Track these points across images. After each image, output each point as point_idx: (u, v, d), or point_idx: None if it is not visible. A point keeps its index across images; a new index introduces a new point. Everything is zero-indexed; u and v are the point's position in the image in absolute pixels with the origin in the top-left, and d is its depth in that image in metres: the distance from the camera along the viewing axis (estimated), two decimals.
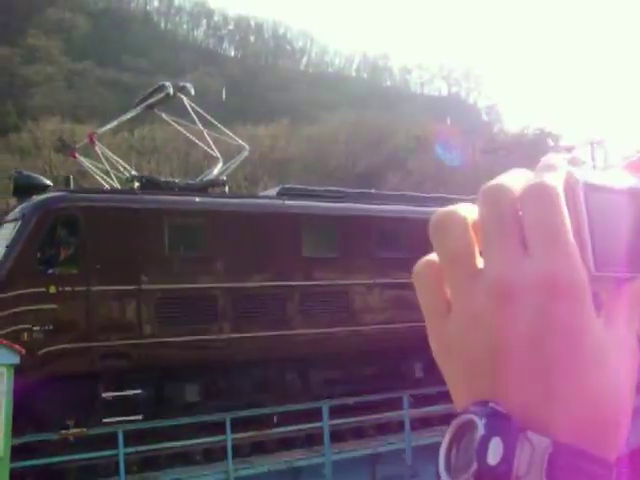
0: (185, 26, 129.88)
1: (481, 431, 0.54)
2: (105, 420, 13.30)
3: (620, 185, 0.60)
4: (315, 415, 14.26)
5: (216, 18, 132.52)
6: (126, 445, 12.40)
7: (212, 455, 13.73)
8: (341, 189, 18.37)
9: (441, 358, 0.62)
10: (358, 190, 19.07)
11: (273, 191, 17.00)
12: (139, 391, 13.77)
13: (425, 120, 75.61)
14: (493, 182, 0.60)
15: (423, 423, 15.99)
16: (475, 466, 0.53)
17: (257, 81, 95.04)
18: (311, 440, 14.76)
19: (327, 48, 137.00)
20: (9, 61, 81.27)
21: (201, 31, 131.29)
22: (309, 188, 17.79)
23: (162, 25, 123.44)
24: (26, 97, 77.38)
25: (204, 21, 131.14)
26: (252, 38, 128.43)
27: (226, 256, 14.74)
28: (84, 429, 12.54)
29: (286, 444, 14.62)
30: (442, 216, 0.61)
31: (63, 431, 12.37)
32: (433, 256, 0.62)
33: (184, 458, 13.66)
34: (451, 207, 0.62)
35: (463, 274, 0.60)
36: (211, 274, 14.60)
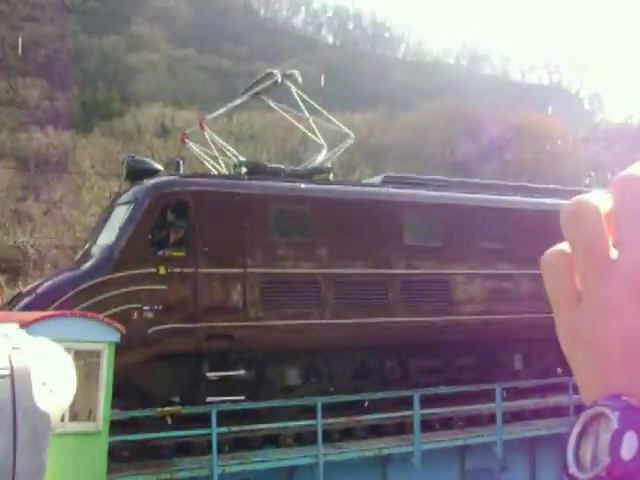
0: (284, 13, 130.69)
1: (615, 425, 0.53)
2: (208, 399, 13.69)
3: None
4: (407, 404, 14.30)
5: (315, 5, 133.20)
6: (222, 425, 12.71)
7: (303, 439, 13.88)
8: (445, 178, 18.26)
9: (569, 348, 0.61)
10: (462, 179, 18.91)
11: (377, 179, 17.02)
12: (242, 372, 14.09)
13: (524, 109, 74.04)
14: (626, 172, 0.59)
15: (515, 416, 15.86)
16: (608, 460, 0.53)
17: (355, 69, 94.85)
18: (401, 429, 14.79)
19: (425, 36, 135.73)
20: (115, 49, 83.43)
21: (300, 18, 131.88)
22: (413, 176, 17.76)
23: (262, 12, 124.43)
24: (130, 83, 79.28)
25: (303, 8, 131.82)
26: (350, 25, 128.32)
27: (330, 242, 14.89)
28: (179, 407, 12.91)
29: (376, 431, 14.68)
30: (575, 206, 0.61)
31: (159, 409, 12.72)
32: (563, 246, 0.62)
33: (275, 441, 13.85)
34: (583, 196, 0.61)
35: (596, 264, 0.59)
36: (314, 260, 14.77)
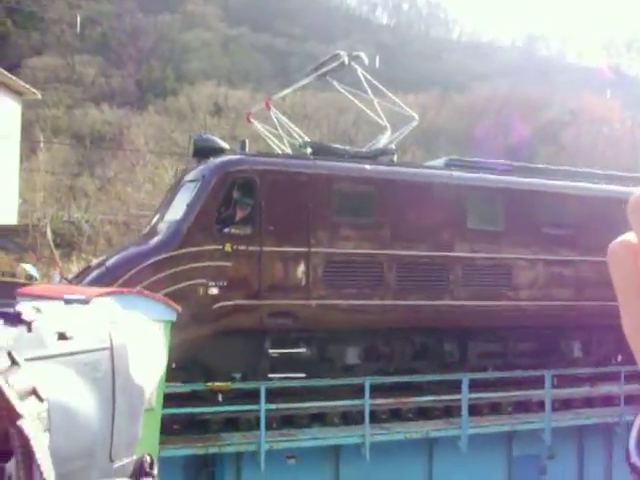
0: None
1: None
2: (270, 375, 13.84)
3: None
4: (456, 387, 14.27)
5: None
6: (274, 401, 12.90)
7: (350, 418, 13.94)
8: (508, 162, 18.13)
9: (634, 338, 0.61)
10: (525, 164, 18.76)
11: (440, 162, 16.96)
12: (303, 350, 14.20)
13: (582, 92, 72.81)
14: None
15: (565, 404, 15.73)
16: None
17: (409, 50, 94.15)
18: (450, 412, 14.78)
19: (481, 17, 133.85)
20: (169, 28, 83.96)
21: None
22: (476, 160, 17.66)
23: None
24: (184, 62, 79.78)
25: None
26: (405, 6, 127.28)
27: (393, 224, 14.90)
28: (229, 383, 13.03)
29: (424, 414, 14.69)
30: None
31: (209, 383, 12.87)
32: (630, 236, 0.61)
33: (322, 419, 13.93)
34: None
35: None
36: (377, 241, 14.78)
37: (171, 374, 12.73)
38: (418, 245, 15.15)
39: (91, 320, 0.94)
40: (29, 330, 0.83)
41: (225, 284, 13.33)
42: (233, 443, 12.73)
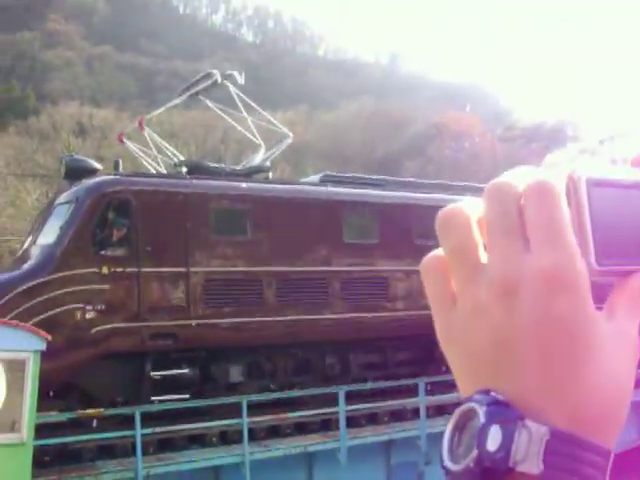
0: (204, 10, 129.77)
1: (481, 419, 0.57)
2: (153, 398, 13.57)
3: (626, 179, 0.62)
4: (331, 400, 14.29)
5: (235, 3, 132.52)
6: (157, 425, 12.63)
7: (228, 438, 13.78)
8: (382, 177, 18.58)
9: (447, 348, 0.64)
10: (398, 179, 19.26)
11: (315, 178, 17.18)
12: (186, 370, 14.02)
13: (444, 107, 75.36)
14: (498, 179, 0.62)
15: (438, 411, 16.07)
16: (475, 452, 0.56)
17: (275, 67, 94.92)
18: (327, 425, 14.86)
19: (345, 34, 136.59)
20: (30, 45, 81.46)
21: (220, 16, 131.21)
22: (351, 175, 18.01)
23: (180, 9, 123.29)
24: (46, 81, 77.56)
25: (222, 6, 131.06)
26: (271, 23, 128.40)
27: (270, 241, 14.94)
28: (101, 409, 12.63)
29: (303, 429, 14.71)
30: (448, 212, 0.64)
31: (80, 411, 12.46)
32: (440, 250, 0.65)
33: (201, 440, 13.71)
34: (457, 203, 0.64)
35: (467, 268, 0.62)
36: (255, 258, 14.78)
37: (48, 403, 12.29)
38: (296, 261, 15.26)
39: None
40: None
41: (103, 307, 13.03)
42: (109, 471, 12.24)
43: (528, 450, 0.55)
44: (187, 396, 13.86)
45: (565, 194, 0.60)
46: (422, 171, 56.73)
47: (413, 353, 17.04)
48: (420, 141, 71.45)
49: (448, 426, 0.60)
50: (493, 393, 0.58)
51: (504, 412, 0.57)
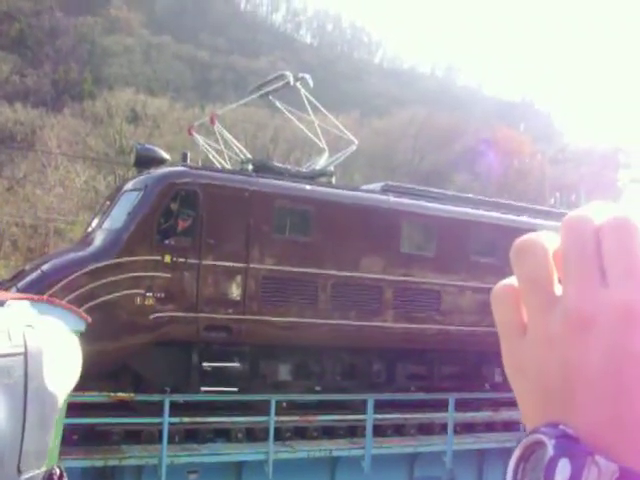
0: (264, 8, 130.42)
1: (550, 452, 0.56)
2: (203, 389, 13.72)
3: None
4: (361, 407, 14.35)
5: (295, 3, 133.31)
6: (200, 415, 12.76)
7: (254, 435, 13.88)
8: (441, 191, 18.62)
9: (514, 377, 0.64)
10: (457, 194, 19.29)
11: (376, 186, 17.24)
12: (237, 364, 14.14)
13: (496, 123, 74.94)
14: (576, 212, 0.62)
15: (466, 428, 16.03)
16: None
17: (331, 70, 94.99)
18: (353, 432, 14.84)
19: (403, 44, 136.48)
20: (91, 30, 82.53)
21: (280, 15, 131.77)
22: (411, 186, 18.08)
23: (242, 5, 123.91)
24: (104, 66, 78.47)
25: (283, 5, 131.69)
26: (329, 27, 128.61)
27: (328, 244, 15.03)
28: (132, 394, 12.79)
29: (329, 433, 14.76)
30: (524, 242, 0.64)
31: (112, 394, 12.54)
32: (512, 279, 0.65)
33: (227, 435, 13.79)
34: (533, 234, 0.64)
35: (541, 299, 0.62)
36: (313, 260, 14.88)
37: (99, 383, 12.41)
38: (352, 266, 15.32)
39: (5, 322, 0.92)
40: None
41: (162, 295, 13.20)
42: (134, 456, 12.40)
43: None
44: (236, 389, 13.99)
45: None
46: (468, 185, 56.46)
47: (459, 368, 17.05)
48: (469, 155, 71.08)
49: (513, 456, 0.59)
50: (562, 426, 0.57)
51: (573, 446, 0.56)
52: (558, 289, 0.61)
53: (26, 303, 0.97)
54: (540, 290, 0.62)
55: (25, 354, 0.91)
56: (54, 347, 0.98)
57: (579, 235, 0.61)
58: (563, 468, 0.54)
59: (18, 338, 0.91)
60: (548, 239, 0.63)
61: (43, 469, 0.96)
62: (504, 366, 0.64)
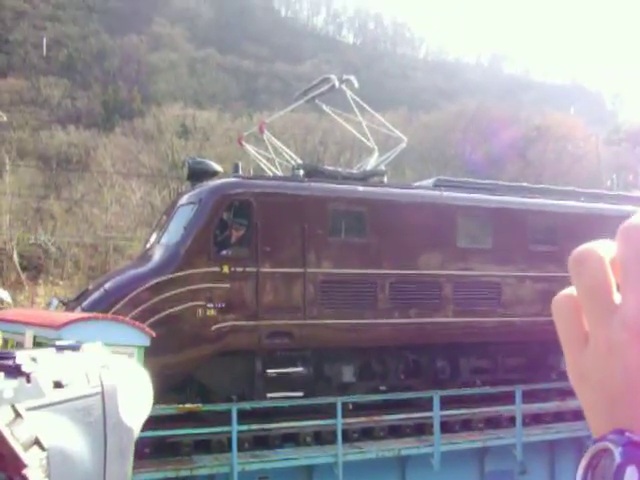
0: (305, 13, 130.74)
1: (618, 459, 0.56)
2: (269, 395, 13.84)
3: None
4: (427, 405, 14.29)
5: (335, 5, 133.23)
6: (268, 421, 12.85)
7: (322, 438, 13.94)
8: (494, 182, 18.50)
9: (578, 385, 0.65)
10: (510, 183, 19.15)
11: (429, 182, 17.22)
12: (300, 369, 14.24)
13: (546, 109, 73.88)
14: (632, 221, 0.62)
15: (534, 419, 15.83)
16: None
17: (375, 68, 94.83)
18: (421, 430, 14.81)
19: (446, 35, 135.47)
20: (136, 49, 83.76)
21: (321, 18, 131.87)
22: (463, 180, 18.00)
23: (282, 12, 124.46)
24: (151, 83, 79.56)
25: (323, 8, 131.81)
26: (371, 25, 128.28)
27: (385, 244, 15.07)
28: (200, 405, 12.88)
29: (396, 432, 14.72)
30: (581, 253, 0.64)
31: (180, 405, 12.69)
32: (571, 290, 0.66)
33: (295, 439, 13.88)
34: (590, 244, 0.65)
35: (601, 308, 0.62)
36: (370, 261, 14.92)
37: (166, 396, 12.63)
38: (409, 264, 15.32)
39: (83, 366, 0.97)
40: (28, 381, 0.86)
41: (223, 305, 13.39)
42: (205, 465, 12.55)
43: None
44: (301, 394, 14.08)
45: None
46: (521, 174, 55.75)
47: (523, 359, 16.90)
48: (520, 143, 70.20)
49: (581, 464, 0.60)
50: (628, 434, 0.58)
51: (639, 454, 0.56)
52: (617, 297, 0.63)
53: (99, 344, 1.06)
54: (599, 299, 0.63)
55: (102, 393, 0.98)
56: (127, 384, 1.05)
57: (636, 243, 0.62)
58: (631, 475, 0.56)
59: (95, 379, 0.98)
60: (605, 248, 0.65)
61: None
62: (569, 376, 0.66)
